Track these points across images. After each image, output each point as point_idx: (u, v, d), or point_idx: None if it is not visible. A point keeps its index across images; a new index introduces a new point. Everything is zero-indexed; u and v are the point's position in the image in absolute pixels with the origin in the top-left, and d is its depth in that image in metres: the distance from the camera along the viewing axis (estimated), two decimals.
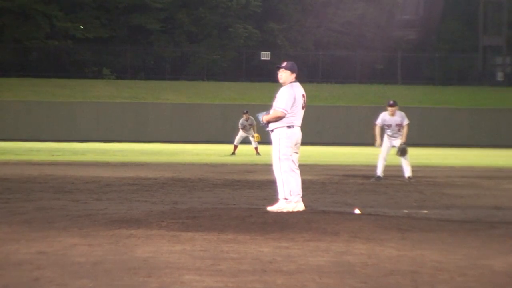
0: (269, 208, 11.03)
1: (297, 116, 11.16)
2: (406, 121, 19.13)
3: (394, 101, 19.47)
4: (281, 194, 11.03)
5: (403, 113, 19.18)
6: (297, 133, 11.18)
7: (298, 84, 11.31)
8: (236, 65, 63.12)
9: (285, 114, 11.09)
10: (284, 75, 11.29)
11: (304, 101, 11.27)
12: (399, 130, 19.18)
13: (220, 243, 8.54)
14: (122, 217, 10.27)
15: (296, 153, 11.21)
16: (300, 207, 11.00)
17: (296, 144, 11.18)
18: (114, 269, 7.06)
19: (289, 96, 11.12)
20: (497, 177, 21.01)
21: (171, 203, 12.68)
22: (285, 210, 10.88)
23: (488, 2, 69.64)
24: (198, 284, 6.52)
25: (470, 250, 8.44)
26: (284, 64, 11.39)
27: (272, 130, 11.24)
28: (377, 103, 52.55)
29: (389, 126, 19.20)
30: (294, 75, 11.29)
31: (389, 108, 19.15)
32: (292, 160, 11.08)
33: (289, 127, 11.12)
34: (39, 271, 6.92)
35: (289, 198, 10.98)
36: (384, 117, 19.24)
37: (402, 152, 18.90)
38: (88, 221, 10.03)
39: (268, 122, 11.30)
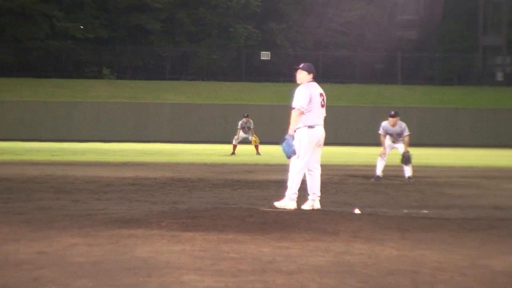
0: (276, 203, 11.36)
1: (316, 115, 11.39)
2: (406, 132, 19.20)
3: (395, 112, 19.51)
4: (288, 192, 11.30)
5: (404, 124, 19.25)
6: (318, 132, 11.40)
7: (315, 83, 11.60)
8: (236, 65, 63.12)
9: (302, 111, 11.22)
10: (301, 75, 11.56)
11: (323, 99, 11.49)
12: (399, 137, 19.29)
13: (220, 243, 8.54)
14: (122, 217, 10.27)
15: (318, 152, 11.43)
16: (317, 205, 11.42)
17: (317, 143, 11.38)
18: (114, 269, 7.06)
19: (305, 95, 11.32)
20: (497, 177, 21.01)
21: (171, 203, 12.68)
22: (287, 207, 11.19)
23: (488, 2, 69.63)
24: (198, 284, 6.52)
25: (470, 250, 8.44)
26: (301, 65, 11.67)
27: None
28: (377, 103, 52.59)
29: (390, 135, 19.32)
30: (311, 76, 11.55)
31: (390, 119, 19.23)
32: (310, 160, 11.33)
33: (310, 127, 11.31)
34: (39, 271, 6.92)
35: (294, 197, 11.29)
36: (385, 126, 19.32)
37: (406, 160, 18.97)
38: (88, 221, 10.03)
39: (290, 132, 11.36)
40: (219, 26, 64.62)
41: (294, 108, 11.31)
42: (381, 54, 64.81)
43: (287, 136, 11.29)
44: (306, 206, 11.42)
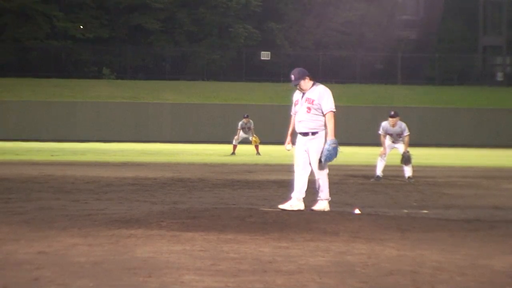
0: (313, 208, 11.23)
1: None
2: (406, 132, 19.21)
3: (395, 112, 19.52)
4: (324, 195, 11.25)
5: (404, 124, 19.26)
6: None
7: None
8: (236, 65, 63.11)
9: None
10: (302, 83, 11.36)
11: None
12: (399, 137, 19.30)
13: (220, 243, 8.54)
14: (122, 217, 10.27)
15: None
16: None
17: None
18: (114, 269, 7.06)
19: (331, 95, 11.35)
20: (497, 177, 21.01)
21: (171, 203, 12.67)
22: (326, 209, 11.17)
23: (488, 2, 69.66)
24: (198, 284, 6.52)
25: (470, 250, 8.44)
26: (294, 76, 11.36)
27: (313, 133, 11.25)
28: (377, 103, 52.59)
29: (390, 135, 19.33)
30: (308, 77, 11.40)
31: (390, 119, 19.24)
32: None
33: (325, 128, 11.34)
34: (39, 271, 6.92)
35: (329, 198, 11.33)
36: (385, 126, 19.33)
37: (406, 160, 18.98)
38: (88, 221, 10.03)
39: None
40: (219, 26, 64.63)
41: (330, 111, 11.20)
42: (381, 54, 64.81)
43: (334, 141, 11.17)
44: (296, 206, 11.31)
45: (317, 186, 11.29)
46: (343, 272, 7.12)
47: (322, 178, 11.26)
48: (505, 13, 68.62)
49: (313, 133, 11.27)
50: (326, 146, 11.18)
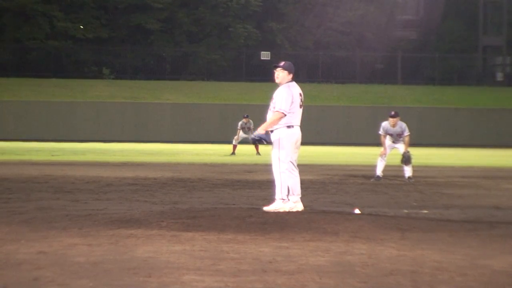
0: (266, 208, 11.03)
1: (295, 115, 11.13)
2: (406, 132, 19.22)
3: (395, 112, 19.53)
4: (278, 195, 11.04)
5: (404, 124, 19.28)
6: (296, 133, 11.16)
7: (294, 83, 11.28)
8: (236, 65, 63.09)
9: (285, 115, 11.03)
10: (281, 74, 11.22)
11: (301, 99, 11.26)
12: (399, 137, 19.31)
13: (220, 243, 8.54)
14: (122, 217, 10.28)
15: (295, 153, 11.22)
16: (299, 207, 11.05)
17: (296, 144, 11.18)
18: (114, 269, 7.06)
19: (287, 96, 11.06)
20: (497, 177, 21.01)
21: (171, 203, 12.67)
22: (281, 210, 10.87)
23: (488, 2, 69.64)
24: (198, 284, 6.52)
25: (470, 250, 8.44)
26: (282, 63, 11.32)
27: (271, 131, 11.14)
28: (377, 103, 52.59)
29: (390, 135, 19.34)
30: (291, 76, 11.24)
31: (390, 119, 19.25)
32: (291, 161, 11.09)
33: (288, 127, 11.07)
34: (39, 271, 6.92)
35: (286, 198, 10.99)
36: (385, 126, 19.35)
37: (406, 160, 18.99)
38: (88, 221, 10.03)
39: (268, 130, 11.12)
40: (219, 26, 64.62)
41: (277, 111, 10.97)
42: (381, 54, 64.79)
43: (258, 135, 11.06)
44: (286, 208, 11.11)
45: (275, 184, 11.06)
46: (343, 272, 7.12)
47: (276, 176, 11.02)
48: (505, 13, 68.59)
49: (272, 131, 11.07)
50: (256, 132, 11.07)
